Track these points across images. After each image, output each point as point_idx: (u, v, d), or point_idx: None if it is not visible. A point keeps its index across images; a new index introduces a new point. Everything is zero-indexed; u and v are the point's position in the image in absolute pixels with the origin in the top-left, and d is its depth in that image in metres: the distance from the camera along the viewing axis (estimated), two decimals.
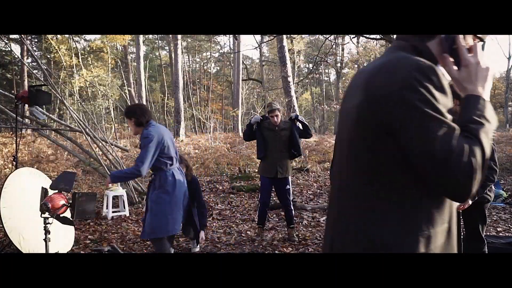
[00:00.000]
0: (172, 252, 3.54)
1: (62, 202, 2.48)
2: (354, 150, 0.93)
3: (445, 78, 0.86)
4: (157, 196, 2.76)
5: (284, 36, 10.09)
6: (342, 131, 1.02)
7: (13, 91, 16.63)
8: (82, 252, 3.72)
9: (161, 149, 2.72)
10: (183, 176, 2.95)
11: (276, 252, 3.73)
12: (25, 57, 17.76)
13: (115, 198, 5.35)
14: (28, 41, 19.44)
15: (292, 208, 4.12)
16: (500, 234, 4.10)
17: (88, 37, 20.96)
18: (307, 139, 12.67)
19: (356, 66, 28.48)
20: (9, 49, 16.47)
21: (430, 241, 0.89)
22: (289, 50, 13.70)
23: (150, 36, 25.95)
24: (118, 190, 5.13)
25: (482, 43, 1.01)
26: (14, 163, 3.76)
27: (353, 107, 0.94)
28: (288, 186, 4.02)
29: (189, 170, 3.60)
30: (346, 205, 0.96)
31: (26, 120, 6.24)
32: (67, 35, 15.16)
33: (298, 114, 4.20)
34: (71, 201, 2.54)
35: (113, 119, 12.43)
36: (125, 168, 2.85)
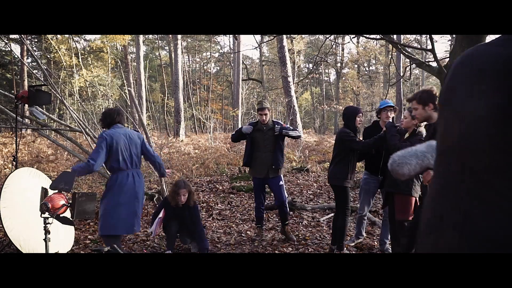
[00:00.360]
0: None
1: (62, 202, 2.47)
2: (498, 151, 0.77)
3: None
4: (102, 197, 3.00)
5: (284, 36, 10.10)
6: (465, 136, 0.84)
7: (13, 91, 16.61)
8: (82, 252, 3.72)
9: (109, 152, 2.87)
10: (135, 180, 3.02)
11: (276, 252, 3.73)
12: (25, 57, 17.75)
13: None
14: (28, 41, 19.43)
15: (287, 205, 4.08)
16: None
17: (88, 37, 20.96)
18: (307, 140, 12.67)
19: (356, 66, 28.49)
20: (9, 49, 16.46)
21: None
22: (289, 50, 13.71)
23: (150, 36, 25.96)
24: None
25: None
26: (14, 163, 3.75)
27: (492, 101, 0.78)
28: (281, 182, 3.98)
29: (191, 195, 3.60)
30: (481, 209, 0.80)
31: (26, 120, 6.24)
32: (67, 35, 15.15)
33: (282, 126, 3.96)
34: (71, 201, 2.53)
35: None
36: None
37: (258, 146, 3.93)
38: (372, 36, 8.18)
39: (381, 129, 3.55)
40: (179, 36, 15.70)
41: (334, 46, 19.58)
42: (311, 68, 25.42)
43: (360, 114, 3.50)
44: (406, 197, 2.95)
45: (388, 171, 3.14)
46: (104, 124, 3.05)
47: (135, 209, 3.03)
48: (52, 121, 7.18)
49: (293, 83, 11.75)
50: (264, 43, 22.18)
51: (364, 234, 3.97)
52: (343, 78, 28.01)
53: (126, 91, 18.07)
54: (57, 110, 15.07)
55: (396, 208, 2.99)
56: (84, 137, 5.88)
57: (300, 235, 4.24)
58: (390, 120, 3.56)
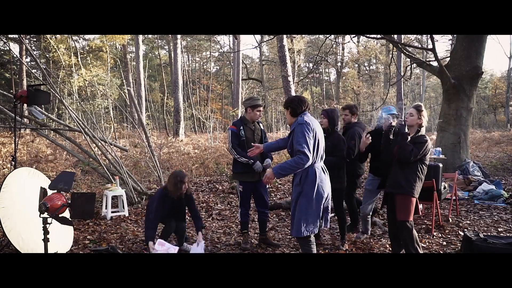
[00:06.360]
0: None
1: (61, 202, 2.46)
2: None
3: None
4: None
5: (284, 35, 10.08)
6: None
7: (11, 91, 16.57)
8: (81, 252, 3.70)
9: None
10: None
11: (277, 252, 3.72)
12: (24, 56, 17.71)
13: (114, 198, 5.33)
14: (26, 40, 19.39)
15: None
16: (501, 234, 4.09)
17: (87, 36, 20.91)
18: None
19: (356, 65, 28.49)
20: (8, 48, 16.41)
21: None
22: (289, 49, 13.68)
23: (150, 35, 25.91)
24: (117, 190, 5.11)
25: None
26: (13, 163, 3.74)
27: None
28: (267, 186, 3.93)
29: (188, 185, 3.64)
30: None
31: (25, 119, 6.22)
32: (66, 35, 15.11)
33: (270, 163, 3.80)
34: (70, 201, 2.52)
35: (112, 119, 12.42)
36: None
37: (250, 146, 3.57)
38: (372, 35, 8.13)
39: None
40: (179, 36, 15.67)
41: (334, 45, 19.55)
42: (311, 68, 25.39)
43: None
44: (408, 197, 2.94)
45: (390, 172, 3.12)
46: (296, 112, 2.76)
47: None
48: (51, 120, 7.16)
49: (293, 83, 11.73)
50: (264, 43, 22.15)
51: (369, 233, 4.05)
52: (344, 78, 27.98)
53: (126, 90, 18.05)
54: (56, 109, 15.03)
55: (398, 208, 2.97)
56: (83, 136, 5.85)
57: None
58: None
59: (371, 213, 4.02)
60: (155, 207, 3.50)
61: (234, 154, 3.69)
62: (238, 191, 3.86)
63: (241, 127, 3.72)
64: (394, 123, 3.36)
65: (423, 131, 3.06)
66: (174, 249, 3.34)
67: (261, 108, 3.76)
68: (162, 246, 3.31)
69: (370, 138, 3.59)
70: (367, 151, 3.71)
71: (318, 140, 2.67)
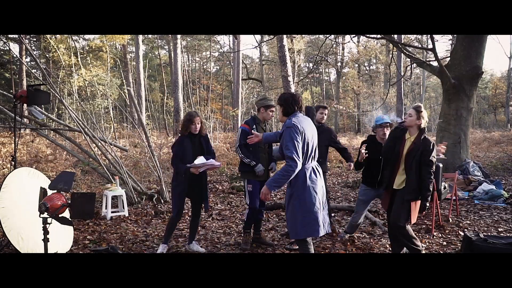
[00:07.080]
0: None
1: (61, 202, 2.46)
2: None
3: None
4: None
5: (284, 35, 10.08)
6: None
7: (11, 91, 16.57)
8: (81, 252, 3.70)
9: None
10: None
11: (277, 252, 3.71)
12: (24, 56, 17.70)
13: (114, 198, 5.33)
14: (26, 40, 19.38)
15: None
16: (501, 234, 4.09)
17: (87, 36, 20.90)
18: None
19: (356, 65, 28.50)
20: (8, 48, 16.41)
21: None
22: (289, 49, 13.68)
23: (150, 35, 25.91)
24: (117, 190, 5.10)
25: None
26: (13, 163, 3.74)
27: None
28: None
29: (203, 125, 3.69)
30: None
31: (25, 119, 6.22)
32: (66, 34, 15.09)
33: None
34: (70, 201, 2.52)
35: (112, 119, 12.40)
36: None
37: (260, 146, 3.70)
38: (372, 35, 8.14)
39: (377, 143, 3.65)
40: (179, 35, 15.67)
41: (334, 45, 19.55)
42: (311, 68, 25.39)
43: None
44: (417, 202, 3.05)
45: (407, 179, 3.07)
46: (288, 112, 2.70)
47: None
48: (51, 120, 7.16)
49: (293, 83, 11.73)
50: (264, 43, 22.16)
51: (353, 234, 4.06)
52: (344, 78, 27.99)
53: (126, 90, 18.03)
54: (56, 109, 15.01)
55: (413, 212, 3.05)
56: (83, 136, 5.85)
57: None
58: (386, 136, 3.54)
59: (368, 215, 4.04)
60: (176, 148, 3.60)
61: (239, 153, 3.69)
62: (246, 190, 3.80)
63: (254, 126, 3.73)
64: (387, 132, 3.53)
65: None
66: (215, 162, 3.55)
67: (272, 109, 3.77)
68: (202, 160, 3.48)
69: (367, 152, 3.59)
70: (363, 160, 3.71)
71: (308, 141, 2.63)
